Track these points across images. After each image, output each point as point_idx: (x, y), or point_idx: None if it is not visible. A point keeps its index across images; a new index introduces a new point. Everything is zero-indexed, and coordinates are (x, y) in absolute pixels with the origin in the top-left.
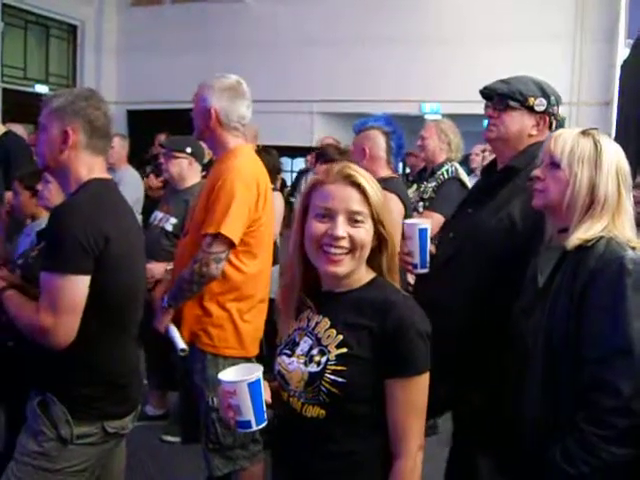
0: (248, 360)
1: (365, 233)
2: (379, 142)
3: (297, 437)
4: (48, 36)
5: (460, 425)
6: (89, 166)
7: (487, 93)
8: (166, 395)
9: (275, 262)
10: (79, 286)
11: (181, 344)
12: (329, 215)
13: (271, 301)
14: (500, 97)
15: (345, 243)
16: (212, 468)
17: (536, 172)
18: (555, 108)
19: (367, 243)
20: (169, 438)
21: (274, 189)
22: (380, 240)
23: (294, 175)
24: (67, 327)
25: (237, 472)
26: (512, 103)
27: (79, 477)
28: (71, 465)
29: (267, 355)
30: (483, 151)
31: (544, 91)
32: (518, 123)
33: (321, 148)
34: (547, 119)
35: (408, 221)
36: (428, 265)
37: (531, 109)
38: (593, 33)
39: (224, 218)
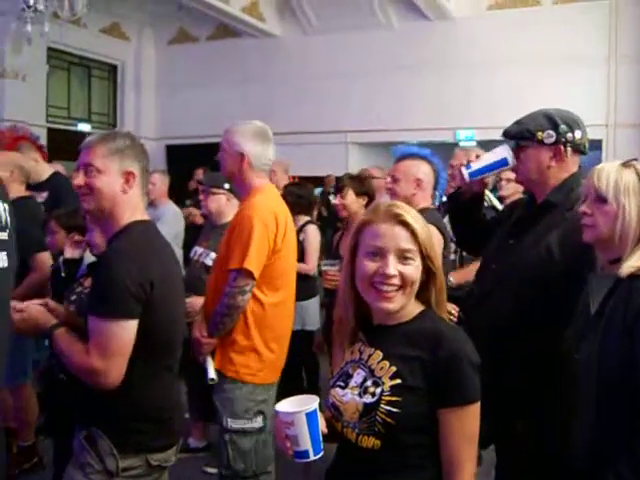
0: (265, 387)
1: (415, 270)
2: (430, 174)
3: (352, 467)
4: (90, 76)
5: (504, 455)
6: (134, 208)
7: (506, 137)
8: (207, 427)
9: (314, 294)
10: (128, 330)
11: (211, 374)
12: (380, 254)
13: (311, 333)
14: (514, 139)
15: (396, 281)
16: None
17: (583, 208)
18: (570, 135)
19: (417, 279)
20: (210, 470)
21: (310, 222)
22: (428, 274)
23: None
24: (116, 369)
25: None
26: (523, 142)
27: None
28: None
29: (309, 387)
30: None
31: (553, 122)
32: (534, 159)
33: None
34: (562, 148)
35: None
36: None
37: (542, 143)
38: (628, 55)
39: (246, 253)
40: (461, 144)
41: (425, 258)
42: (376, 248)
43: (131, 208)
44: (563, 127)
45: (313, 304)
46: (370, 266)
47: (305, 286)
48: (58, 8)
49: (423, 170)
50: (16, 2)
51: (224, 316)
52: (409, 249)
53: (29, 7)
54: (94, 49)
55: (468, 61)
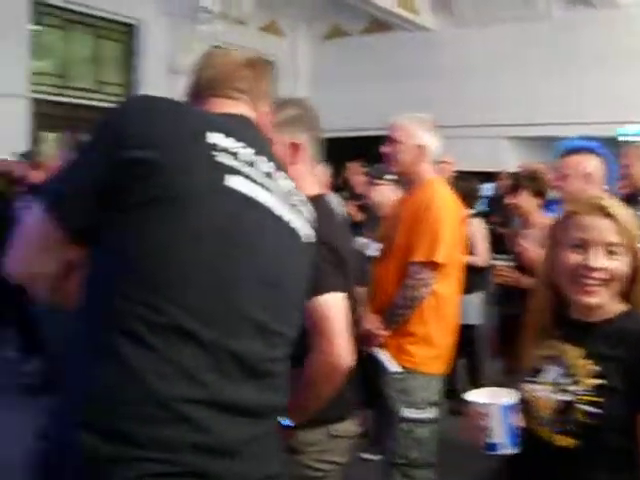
0: (439, 378)
1: (621, 265)
2: (600, 168)
3: (544, 466)
4: None
5: None
6: (316, 181)
7: None
8: (365, 413)
9: (479, 288)
10: (341, 302)
11: (394, 366)
12: (584, 246)
13: (472, 328)
14: None
15: (601, 275)
16: None
17: None
18: None
19: (622, 275)
20: (368, 456)
21: (474, 215)
22: (634, 271)
23: (482, 200)
24: (349, 351)
25: None
26: None
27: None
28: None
29: (470, 383)
30: None
31: None
32: None
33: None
34: None
35: None
36: None
37: None
38: None
39: (434, 246)
40: (620, 139)
41: (631, 253)
42: (581, 240)
43: (313, 182)
44: None
45: (476, 298)
46: (573, 258)
47: (469, 279)
48: (227, 8)
49: (593, 164)
50: (184, 3)
51: (405, 308)
52: (616, 243)
53: (203, 8)
54: (254, 46)
55: (635, 51)
